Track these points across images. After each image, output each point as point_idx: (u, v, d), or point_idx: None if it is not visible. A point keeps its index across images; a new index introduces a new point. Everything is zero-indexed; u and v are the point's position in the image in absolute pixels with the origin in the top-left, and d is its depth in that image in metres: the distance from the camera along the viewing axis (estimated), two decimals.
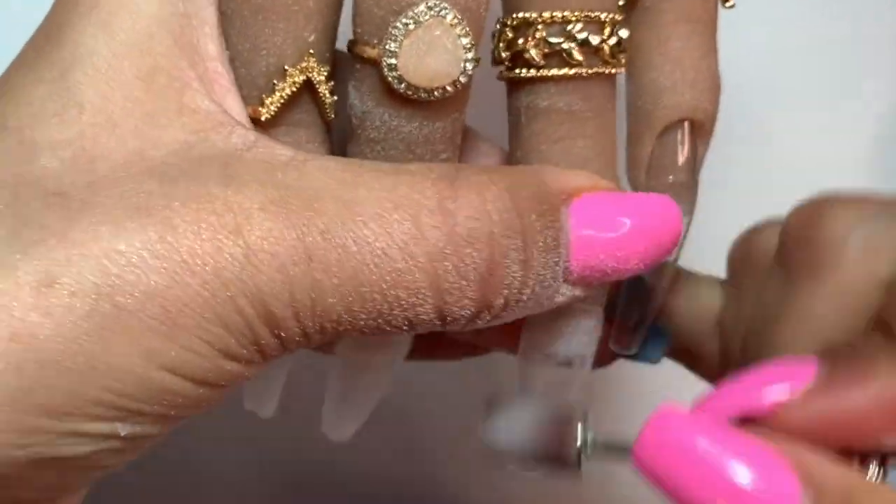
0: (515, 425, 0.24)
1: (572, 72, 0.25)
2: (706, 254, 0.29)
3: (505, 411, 0.24)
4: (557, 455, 0.24)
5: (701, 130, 0.27)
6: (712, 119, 0.27)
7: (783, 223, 0.27)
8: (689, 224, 0.27)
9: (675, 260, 0.28)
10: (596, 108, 0.26)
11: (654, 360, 0.29)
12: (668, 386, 0.40)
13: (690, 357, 0.30)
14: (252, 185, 0.22)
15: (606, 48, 0.25)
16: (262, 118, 0.25)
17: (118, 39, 0.23)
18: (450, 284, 0.22)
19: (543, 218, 0.23)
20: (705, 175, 0.28)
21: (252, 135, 0.23)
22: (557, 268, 0.23)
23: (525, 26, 0.25)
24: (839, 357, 0.23)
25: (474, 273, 0.22)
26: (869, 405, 0.21)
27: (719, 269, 0.30)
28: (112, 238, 0.20)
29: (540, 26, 0.25)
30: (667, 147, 0.27)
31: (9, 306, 0.20)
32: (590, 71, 0.25)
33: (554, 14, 0.25)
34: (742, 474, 0.20)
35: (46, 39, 0.23)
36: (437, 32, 0.24)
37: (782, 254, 0.26)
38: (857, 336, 0.24)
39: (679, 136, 0.27)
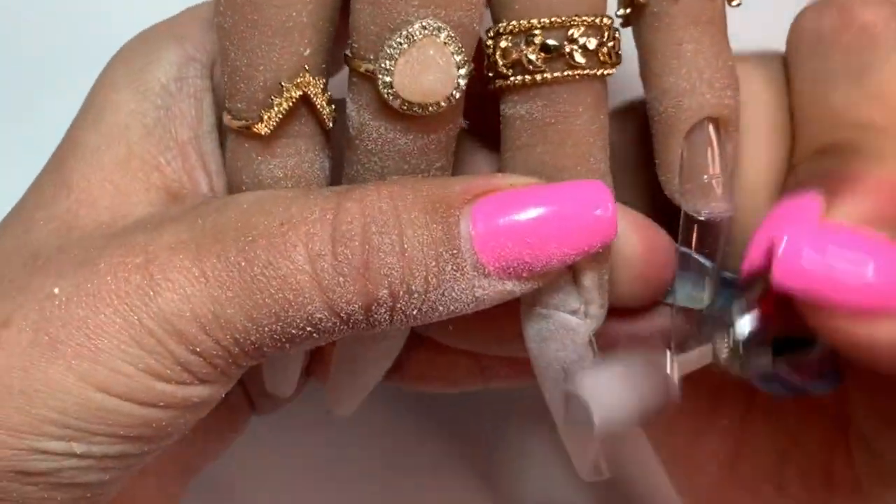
0: (617, 390, 0.24)
1: (530, 78, 0.26)
2: None
3: (600, 383, 0.24)
4: (663, 397, 0.24)
5: (727, 127, 0.27)
6: (736, 114, 0.27)
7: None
8: (729, 221, 0.27)
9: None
10: (561, 113, 0.26)
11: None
12: None
13: None
14: (169, 230, 0.25)
15: (572, 52, 0.25)
16: (262, 132, 0.25)
17: (101, 132, 0.27)
18: (329, 280, 0.24)
19: (431, 214, 0.24)
20: None
21: (202, 199, 0.27)
22: (459, 262, 0.24)
23: (496, 37, 0.26)
24: (822, 179, 0.24)
25: (349, 268, 0.24)
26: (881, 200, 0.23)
27: None
28: (52, 285, 0.25)
29: (506, 36, 0.26)
30: (696, 148, 0.27)
31: None
32: (552, 75, 0.26)
33: (520, 23, 0.25)
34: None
35: (65, 136, 0.28)
36: (431, 52, 0.24)
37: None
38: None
39: (706, 137, 0.27)
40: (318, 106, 0.26)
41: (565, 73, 0.25)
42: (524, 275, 0.25)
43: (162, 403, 0.25)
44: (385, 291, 0.24)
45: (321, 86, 0.26)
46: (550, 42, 0.25)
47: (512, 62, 0.26)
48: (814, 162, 0.26)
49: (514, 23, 0.25)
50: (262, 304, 0.24)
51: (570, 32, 0.25)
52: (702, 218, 0.27)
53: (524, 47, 0.25)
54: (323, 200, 0.25)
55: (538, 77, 0.25)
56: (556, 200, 0.24)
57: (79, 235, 0.26)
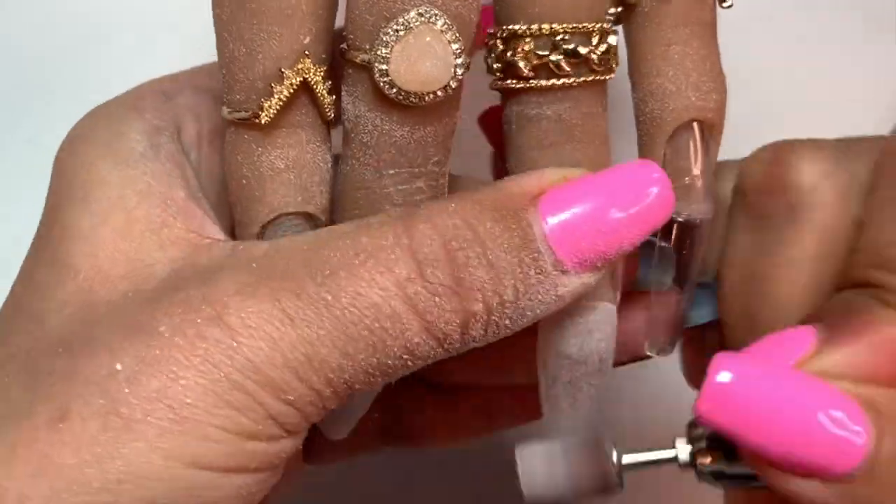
0: (550, 468, 0.25)
1: (560, 82, 0.26)
2: None
3: (536, 457, 0.25)
4: (600, 484, 0.25)
5: (711, 130, 0.27)
6: (720, 118, 0.27)
7: (742, 174, 0.29)
8: (709, 222, 0.27)
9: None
10: (585, 114, 0.26)
11: (703, 320, 0.29)
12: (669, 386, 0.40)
13: None
14: (226, 278, 0.23)
15: (595, 57, 0.26)
16: (262, 121, 0.25)
17: (93, 210, 0.25)
18: (425, 303, 0.23)
19: (502, 222, 0.24)
20: None
21: (229, 245, 0.25)
22: (539, 262, 0.24)
23: (514, 39, 0.26)
24: (832, 317, 0.25)
25: (442, 288, 0.23)
26: (876, 355, 0.23)
27: None
28: (109, 361, 0.23)
29: (528, 39, 0.25)
30: (679, 150, 0.27)
31: (30, 447, 0.22)
32: (578, 80, 0.26)
33: (542, 27, 0.25)
34: (818, 413, 0.22)
35: (44, 225, 0.26)
36: (428, 38, 0.24)
37: (747, 202, 0.28)
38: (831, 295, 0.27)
39: (690, 138, 0.27)
40: (319, 94, 0.25)
41: (590, 79, 0.26)
42: (599, 264, 0.24)
43: (254, 466, 0.23)
44: (480, 306, 0.23)
45: (321, 74, 0.25)
46: (580, 49, 0.25)
47: (535, 65, 0.25)
48: (844, 296, 0.26)
49: (537, 26, 0.25)
50: (357, 338, 0.23)
51: (591, 38, 0.26)
52: (681, 219, 0.27)
53: (550, 51, 0.25)
54: (391, 227, 0.24)
55: (568, 81, 0.26)
56: (617, 185, 0.24)
57: (106, 311, 0.24)
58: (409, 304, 0.23)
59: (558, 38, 0.25)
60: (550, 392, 0.27)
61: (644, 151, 0.27)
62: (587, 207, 0.24)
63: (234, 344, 0.22)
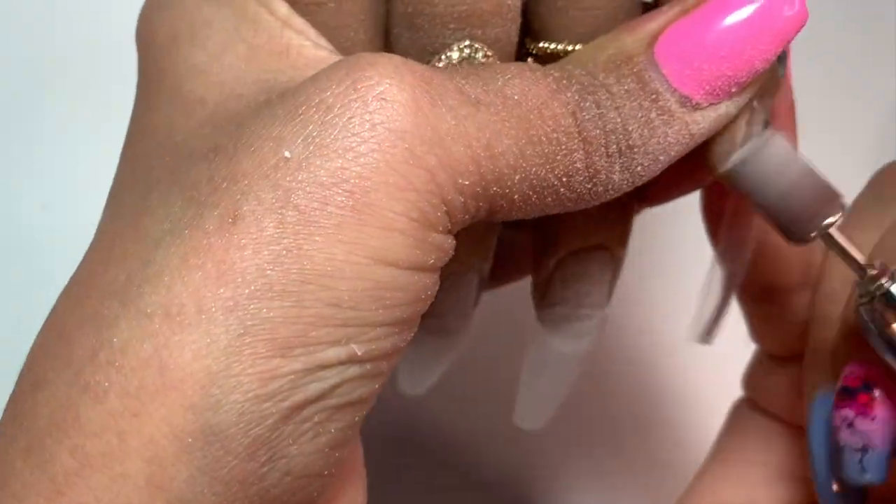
0: (782, 161, 0.25)
1: None
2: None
3: (779, 145, 0.25)
4: (801, 215, 0.25)
5: None
6: None
7: None
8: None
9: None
10: None
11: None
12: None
13: None
14: (394, 63, 0.21)
15: None
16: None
17: (208, 47, 0.23)
18: (588, 132, 0.22)
19: (616, 71, 0.23)
20: None
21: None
22: (661, 104, 0.23)
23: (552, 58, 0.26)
24: None
25: (599, 122, 0.22)
26: None
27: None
28: (275, 150, 0.20)
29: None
30: None
31: (204, 256, 0.20)
32: None
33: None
34: None
35: (146, 83, 0.24)
36: None
37: None
38: None
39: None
40: None
41: None
42: (733, 90, 0.24)
43: (431, 262, 0.21)
44: (614, 147, 0.23)
45: None
46: None
47: None
48: None
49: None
50: (536, 142, 0.22)
51: None
52: None
53: None
54: (529, 66, 0.23)
55: None
56: (730, 6, 0.24)
57: (253, 112, 0.22)
58: (578, 128, 0.22)
59: None
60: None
61: None
62: (700, 33, 0.24)
63: (421, 110, 0.20)
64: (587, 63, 0.24)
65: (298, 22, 0.24)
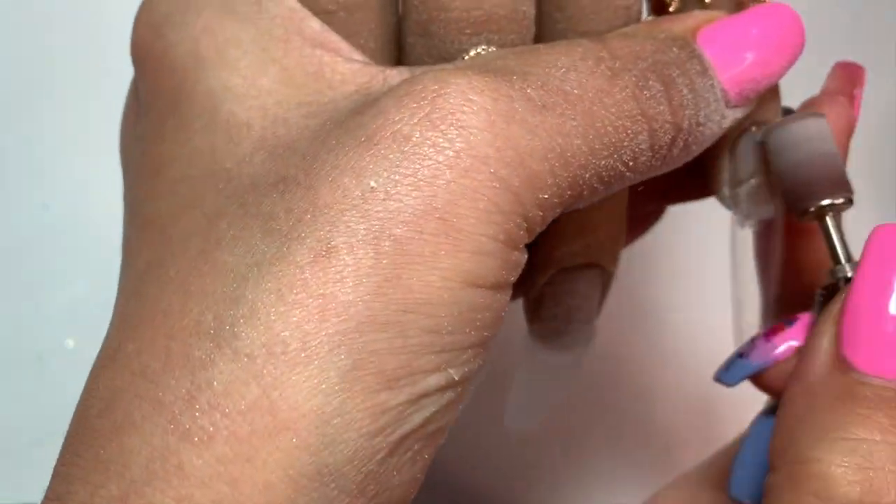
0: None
1: None
2: (706, 245, 0.30)
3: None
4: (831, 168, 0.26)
5: None
6: None
7: None
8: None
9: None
10: None
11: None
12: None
13: None
14: (456, 70, 0.21)
15: None
16: None
17: (240, 68, 0.23)
18: (653, 111, 0.22)
19: (684, 49, 0.24)
20: None
21: (405, 70, 0.23)
22: (714, 90, 0.24)
23: None
24: None
25: (662, 99, 0.22)
26: None
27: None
28: (357, 182, 0.20)
29: None
30: None
31: (302, 292, 0.19)
32: None
33: None
34: None
35: (172, 106, 0.23)
36: None
37: None
38: None
39: None
40: None
41: None
42: (752, 96, 0.25)
43: (512, 279, 0.21)
44: (686, 123, 0.23)
45: None
46: None
47: None
48: None
49: None
50: (603, 133, 0.21)
51: None
52: None
53: None
54: (581, 45, 0.23)
55: None
56: (764, 17, 0.25)
57: (311, 141, 0.21)
58: (641, 108, 0.22)
59: None
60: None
61: None
62: (742, 38, 0.24)
63: (499, 131, 0.20)
64: (647, 40, 0.24)
65: (331, 38, 0.23)
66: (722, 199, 0.27)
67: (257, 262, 0.20)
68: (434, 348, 0.20)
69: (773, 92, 0.26)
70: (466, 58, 0.24)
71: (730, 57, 0.24)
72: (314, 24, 0.23)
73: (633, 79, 0.22)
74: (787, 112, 0.28)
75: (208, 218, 0.21)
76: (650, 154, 0.23)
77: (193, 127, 0.23)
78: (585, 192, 0.22)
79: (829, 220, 0.25)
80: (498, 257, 0.20)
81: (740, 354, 0.26)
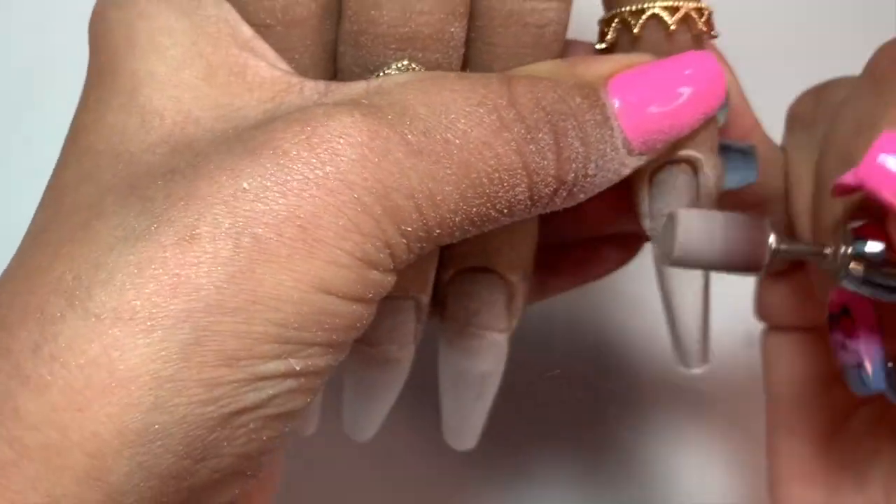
0: (708, 230, 0.25)
1: None
2: None
3: (694, 220, 0.25)
4: (751, 259, 0.25)
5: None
6: None
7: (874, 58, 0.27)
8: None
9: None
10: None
11: (749, 181, 0.29)
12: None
13: None
14: (344, 108, 0.23)
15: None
16: None
17: (168, 57, 0.24)
18: (536, 164, 0.24)
19: (587, 99, 0.25)
20: None
21: (322, 84, 0.25)
22: (613, 140, 0.25)
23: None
24: None
25: (549, 153, 0.24)
26: None
27: None
28: (233, 182, 0.22)
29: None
30: None
31: (160, 269, 0.21)
32: None
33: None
34: None
35: (101, 75, 0.25)
36: None
37: (873, 73, 0.27)
38: None
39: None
40: None
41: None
42: (659, 146, 0.25)
43: (369, 296, 0.23)
44: (571, 175, 0.24)
45: None
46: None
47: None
48: None
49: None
50: (478, 184, 0.23)
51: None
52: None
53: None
54: (485, 87, 0.24)
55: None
56: (679, 68, 0.25)
57: (210, 143, 0.23)
58: (523, 162, 0.23)
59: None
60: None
61: None
62: (654, 88, 0.25)
63: (369, 164, 0.22)
64: (553, 87, 0.24)
65: (260, 45, 0.25)
66: (647, 231, 0.27)
67: (126, 236, 0.22)
68: (278, 339, 0.22)
69: (707, 127, 0.26)
70: (387, 71, 0.25)
71: (637, 107, 0.25)
72: (246, 30, 0.25)
73: (523, 131, 0.23)
74: (725, 148, 0.28)
75: (100, 193, 0.23)
76: (529, 203, 0.24)
77: (111, 104, 0.24)
78: (457, 233, 0.23)
79: (783, 249, 0.25)
80: (353, 271, 0.22)
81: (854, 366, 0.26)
